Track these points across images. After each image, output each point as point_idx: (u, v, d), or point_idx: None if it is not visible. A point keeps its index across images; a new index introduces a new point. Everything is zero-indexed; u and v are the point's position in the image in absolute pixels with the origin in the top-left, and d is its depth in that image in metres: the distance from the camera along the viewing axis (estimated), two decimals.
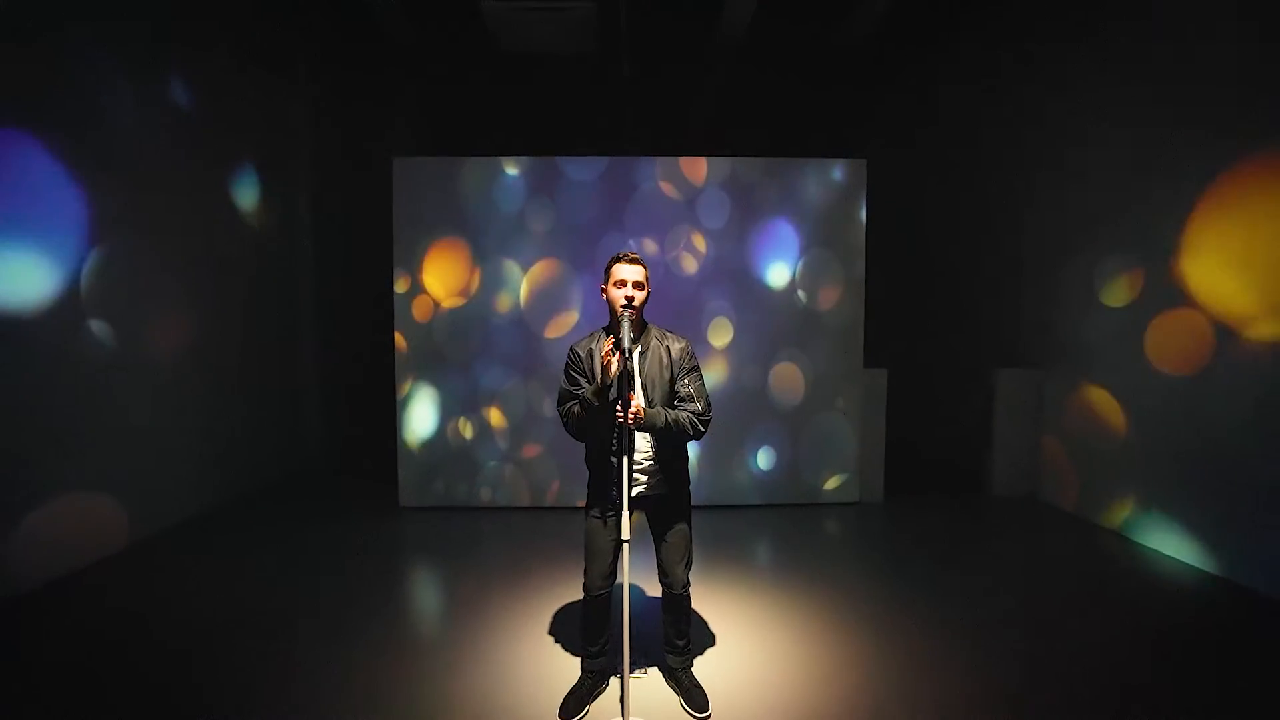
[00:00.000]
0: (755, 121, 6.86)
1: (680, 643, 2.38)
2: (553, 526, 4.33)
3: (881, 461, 4.94)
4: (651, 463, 2.23)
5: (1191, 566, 3.62)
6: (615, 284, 2.18)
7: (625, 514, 2.02)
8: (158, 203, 4.05)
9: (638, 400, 2.11)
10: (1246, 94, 3.32)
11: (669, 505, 2.29)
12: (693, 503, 2.39)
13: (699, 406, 2.19)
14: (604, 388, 2.07)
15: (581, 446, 2.36)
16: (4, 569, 3.04)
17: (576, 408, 2.18)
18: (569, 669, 2.50)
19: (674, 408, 2.20)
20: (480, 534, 4.27)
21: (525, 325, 4.65)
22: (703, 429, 2.19)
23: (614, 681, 2.42)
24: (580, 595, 2.37)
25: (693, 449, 4.58)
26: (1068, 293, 4.70)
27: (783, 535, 4.27)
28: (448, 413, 4.69)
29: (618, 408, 2.02)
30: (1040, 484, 5.00)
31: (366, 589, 3.37)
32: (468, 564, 3.77)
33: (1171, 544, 3.80)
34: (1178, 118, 3.76)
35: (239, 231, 4.99)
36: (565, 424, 2.24)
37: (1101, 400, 4.37)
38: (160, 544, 3.91)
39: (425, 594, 3.55)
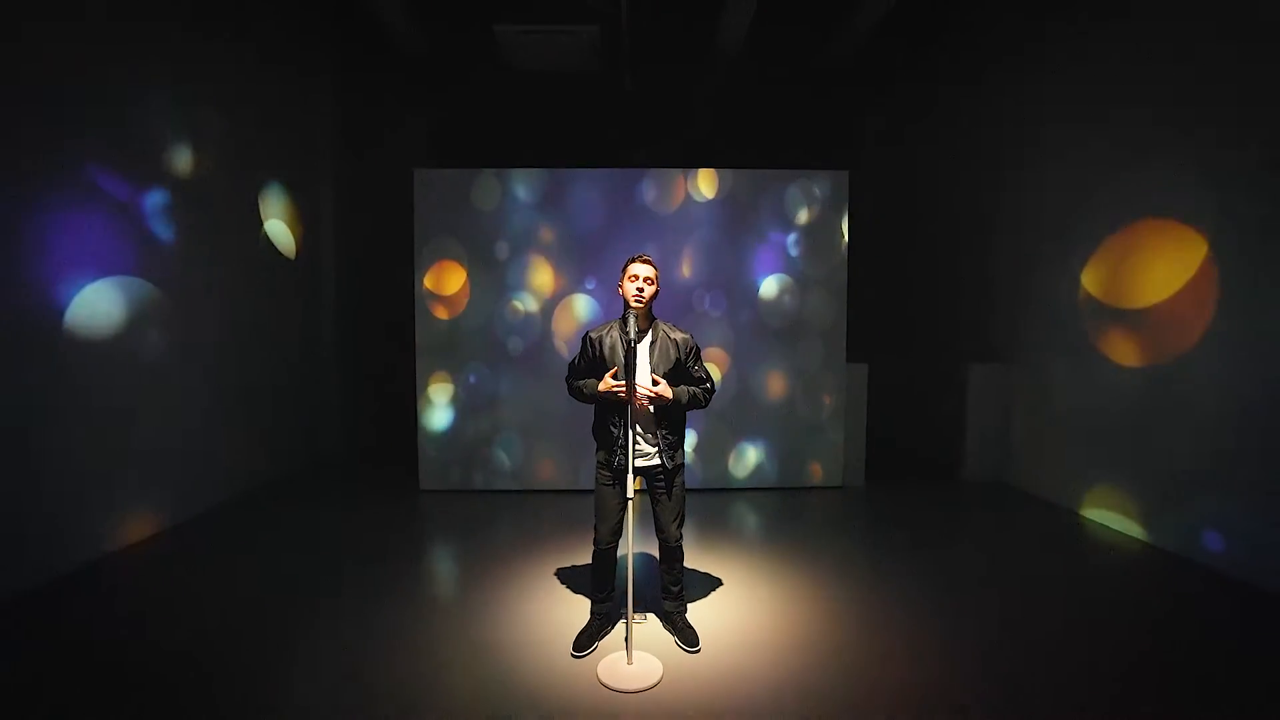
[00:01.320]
0: (749, 132, 7.30)
1: (675, 589, 2.80)
2: (562, 505, 4.74)
3: (863, 449, 5.36)
4: (653, 436, 2.66)
5: (1142, 541, 4.05)
6: (629, 279, 2.60)
7: (630, 477, 2.46)
8: (193, 210, 4.39)
9: (664, 386, 2.55)
10: (1205, 116, 3.67)
11: (666, 473, 2.70)
12: (691, 486, 2.82)
13: (709, 385, 2.72)
14: (604, 396, 2.58)
15: (587, 430, 2.80)
16: (47, 553, 3.32)
17: (577, 384, 2.70)
18: (579, 614, 2.93)
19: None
20: (495, 512, 4.67)
21: (536, 323, 5.08)
22: (710, 399, 2.73)
23: (619, 625, 2.84)
24: (589, 554, 2.80)
25: (690, 437, 5.00)
26: (1031, 295, 5.13)
27: (771, 514, 4.67)
28: (464, 404, 5.11)
29: (624, 392, 2.50)
30: (1008, 469, 5.43)
31: (393, 557, 3.79)
32: (485, 536, 4.18)
33: (1121, 522, 4.23)
34: (1127, 138, 4.20)
35: (268, 235, 5.40)
36: (569, 388, 2.74)
37: (1060, 392, 4.80)
38: (201, 525, 4.32)
39: (447, 559, 3.94)
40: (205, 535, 4.10)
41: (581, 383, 2.69)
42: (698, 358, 2.72)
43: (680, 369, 2.66)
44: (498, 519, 4.54)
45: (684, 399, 2.62)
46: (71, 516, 3.49)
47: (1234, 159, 3.49)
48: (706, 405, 2.73)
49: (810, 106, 7.41)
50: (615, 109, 7.17)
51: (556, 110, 7.13)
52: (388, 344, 6.81)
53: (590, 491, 2.79)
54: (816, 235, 5.15)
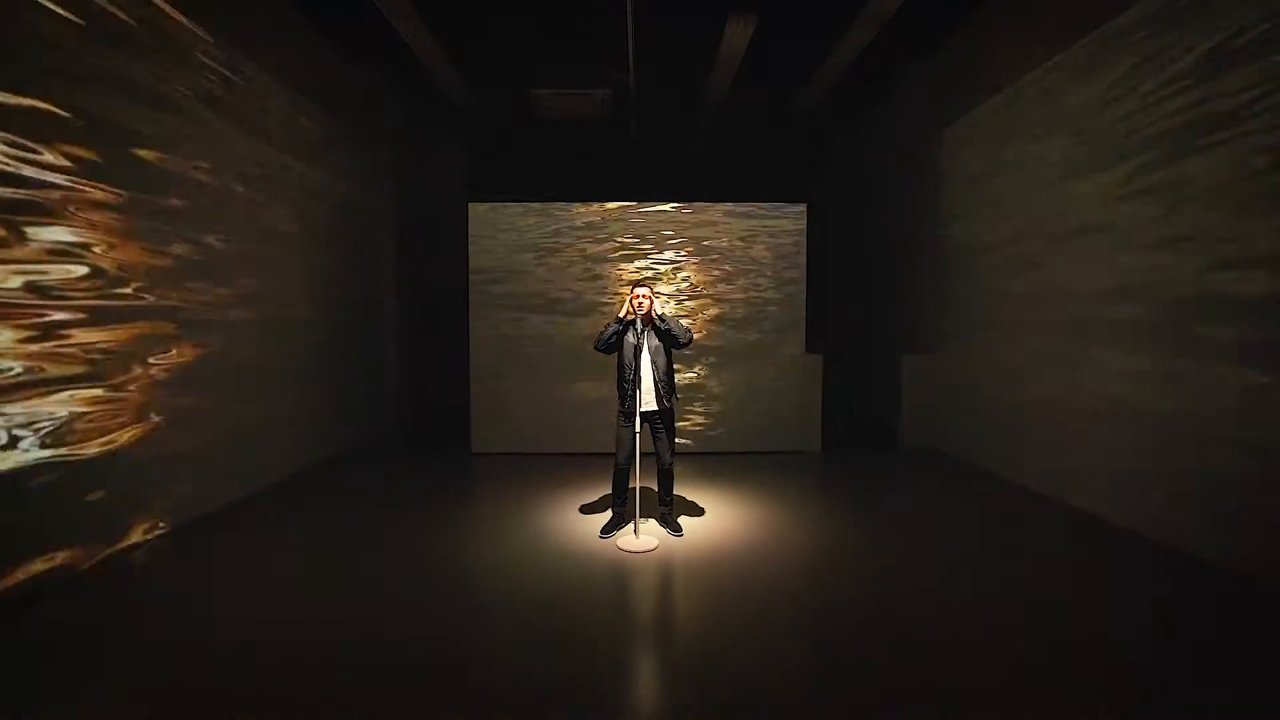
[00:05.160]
0: (733, 169, 8.88)
1: (667, 499, 4.25)
2: (590, 463, 6.09)
3: (819, 422, 6.77)
4: (652, 390, 4.08)
5: (1049, 497, 5.42)
6: (634, 300, 4.05)
7: (636, 418, 3.93)
8: (277, 220, 5.56)
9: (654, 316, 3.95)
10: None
11: (663, 416, 4.12)
12: (680, 452, 4.25)
13: (686, 325, 4.04)
14: (626, 319, 4.00)
15: (612, 397, 4.23)
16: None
17: (606, 328, 4.03)
18: (603, 517, 4.39)
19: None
20: (538, 467, 6.07)
21: (558, 319, 6.55)
22: (688, 338, 4.00)
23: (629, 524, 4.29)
24: (609, 487, 4.30)
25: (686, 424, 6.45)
26: (952, 299, 6.57)
27: (743, 468, 6.04)
28: (509, 381, 6.57)
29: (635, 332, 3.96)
30: (936, 438, 6.85)
31: (457, 495, 5.25)
32: (529, 481, 5.59)
33: (1031, 478, 5.65)
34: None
35: (342, 241, 6.86)
36: (598, 340, 4.07)
37: (977, 375, 6.23)
38: (293, 484, 5.78)
39: (500, 494, 5.27)
40: (302, 494, 5.59)
41: (604, 332, 4.02)
42: (676, 318, 4.07)
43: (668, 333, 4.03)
44: (539, 471, 5.95)
45: (667, 316, 3.95)
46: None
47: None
48: (685, 341, 3.99)
49: (780, 147, 9.00)
50: (623, 152, 8.77)
51: (576, 152, 8.71)
52: (446, 330, 8.40)
53: (609, 454, 4.24)
54: (782, 254, 6.60)
